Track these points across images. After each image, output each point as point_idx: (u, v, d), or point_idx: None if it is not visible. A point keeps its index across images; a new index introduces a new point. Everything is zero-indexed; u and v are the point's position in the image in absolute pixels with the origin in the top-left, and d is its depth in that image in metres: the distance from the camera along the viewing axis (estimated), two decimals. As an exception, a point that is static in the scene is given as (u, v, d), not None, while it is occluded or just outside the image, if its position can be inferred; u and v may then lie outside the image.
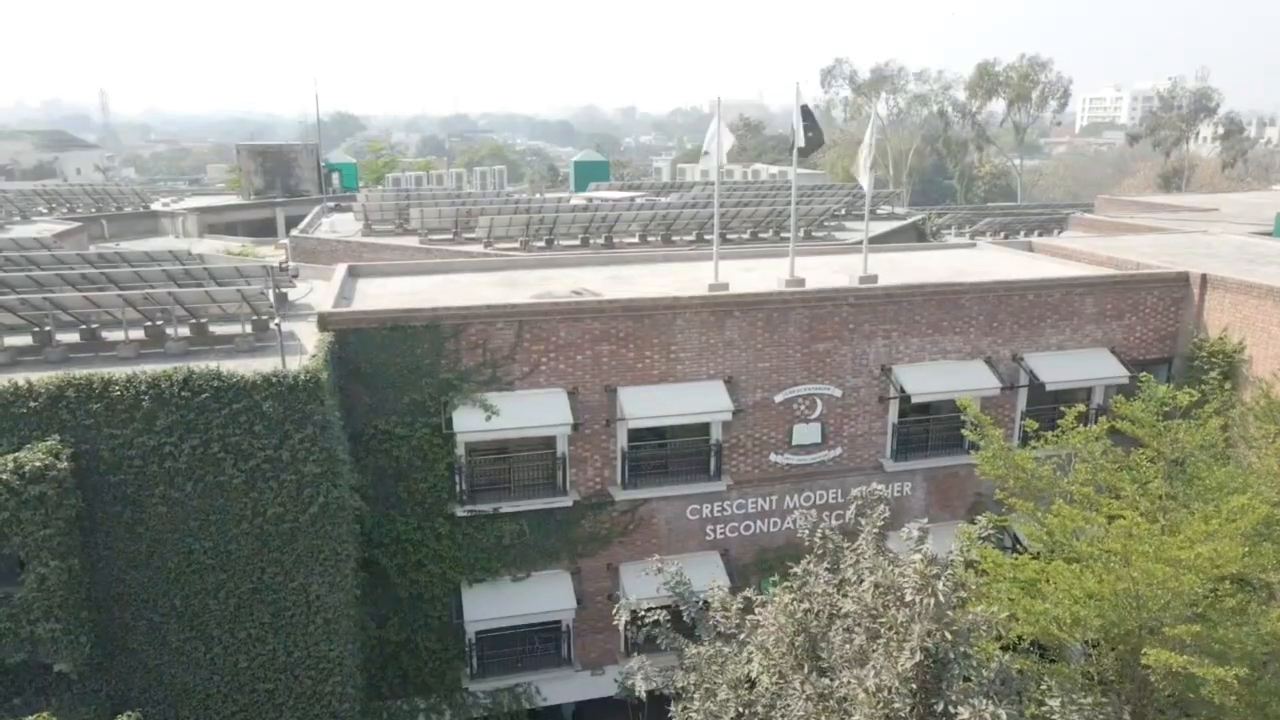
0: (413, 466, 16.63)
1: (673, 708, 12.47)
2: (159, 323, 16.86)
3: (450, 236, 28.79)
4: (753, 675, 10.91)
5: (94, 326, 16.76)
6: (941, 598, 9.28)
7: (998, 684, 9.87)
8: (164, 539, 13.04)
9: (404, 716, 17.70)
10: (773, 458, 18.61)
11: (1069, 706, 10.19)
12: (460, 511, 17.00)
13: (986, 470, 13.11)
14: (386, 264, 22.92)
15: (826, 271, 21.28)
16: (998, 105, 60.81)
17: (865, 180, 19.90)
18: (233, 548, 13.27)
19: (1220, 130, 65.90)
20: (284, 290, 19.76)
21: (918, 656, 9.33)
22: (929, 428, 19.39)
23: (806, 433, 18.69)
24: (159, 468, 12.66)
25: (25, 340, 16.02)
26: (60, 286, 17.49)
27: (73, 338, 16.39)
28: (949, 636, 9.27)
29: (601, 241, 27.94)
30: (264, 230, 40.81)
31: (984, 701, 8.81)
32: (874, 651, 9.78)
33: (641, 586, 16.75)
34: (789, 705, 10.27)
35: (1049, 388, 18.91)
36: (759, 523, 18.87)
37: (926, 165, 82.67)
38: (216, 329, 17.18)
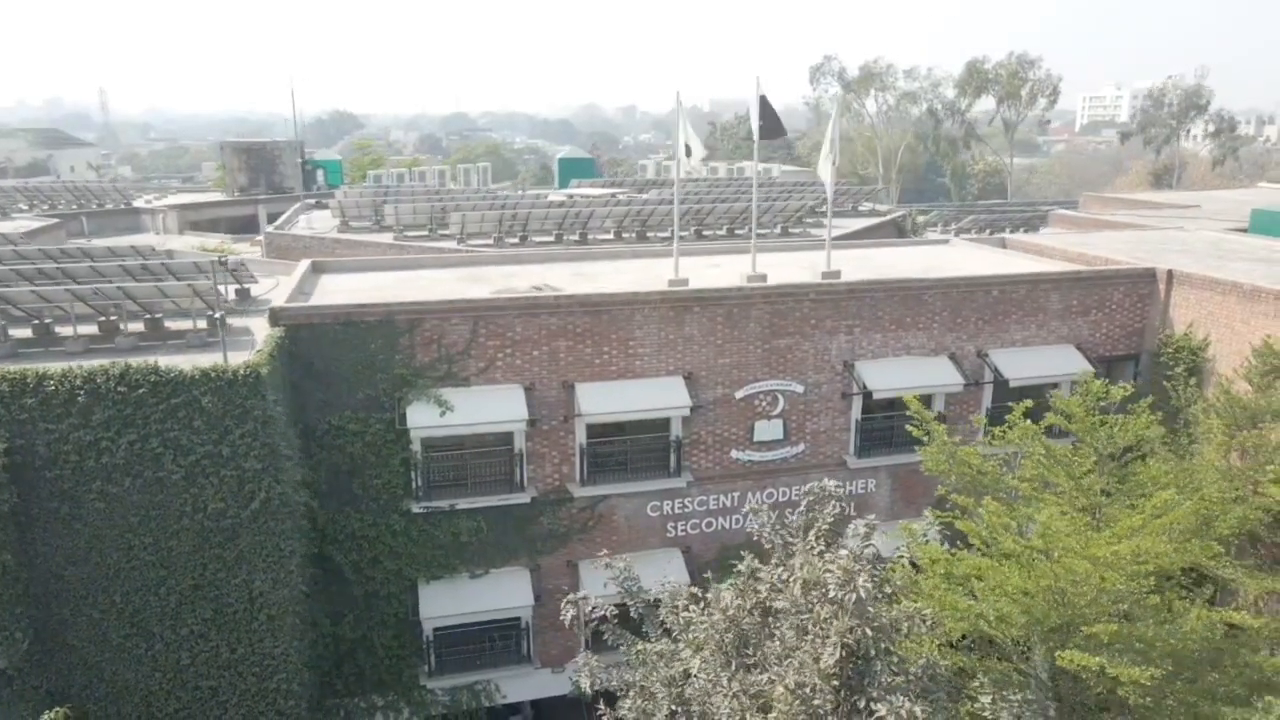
0: (367, 462, 16.52)
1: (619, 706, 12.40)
2: (113, 318, 16.77)
3: (425, 233, 28.68)
4: (690, 672, 10.81)
5: (47, 322, 16.65)
6: (863, 593, 9.16)
7: (925, 681, 9.76)
8: (103, 534, 12.93)
9: (361, 714, 17.60)
10: (734, 454, 18.49)
11: (999, 703, 10.07)
12: (416, 508, 16.89)
13: (930, 466, 12.98)
14: (351, 260, 22.81)
15: (795, 268, 21.18)
16: (988, 103, 60.62)
17: (827, 175, 19.76)
18: (173, 543, 13.16)
19: (1211, 128, 65.70)
20: (246, 286, 19.71)
21: (839, 653, 9.22)
22: (893, 424, 19.24)
23: (768, 429, 18.57)
24: (95, 463, 12.56)
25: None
26: (16, 282, 17.40)
27: (25, 333, 16.30)
28: (869, 633, 9.16)
29: (576, 238, 27.81)
30: (246, 227, 40.66)
31: (901, 698, 8.70)
32: (799, 648, 9.67)
33: (601, 584, 16.67)
34: (717, 702, 10.15)
35: (1012, 384, 18.76)
36: (721, 520, 18.76)
37: (921, 163, 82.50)
38: (173, 324, 17.09)
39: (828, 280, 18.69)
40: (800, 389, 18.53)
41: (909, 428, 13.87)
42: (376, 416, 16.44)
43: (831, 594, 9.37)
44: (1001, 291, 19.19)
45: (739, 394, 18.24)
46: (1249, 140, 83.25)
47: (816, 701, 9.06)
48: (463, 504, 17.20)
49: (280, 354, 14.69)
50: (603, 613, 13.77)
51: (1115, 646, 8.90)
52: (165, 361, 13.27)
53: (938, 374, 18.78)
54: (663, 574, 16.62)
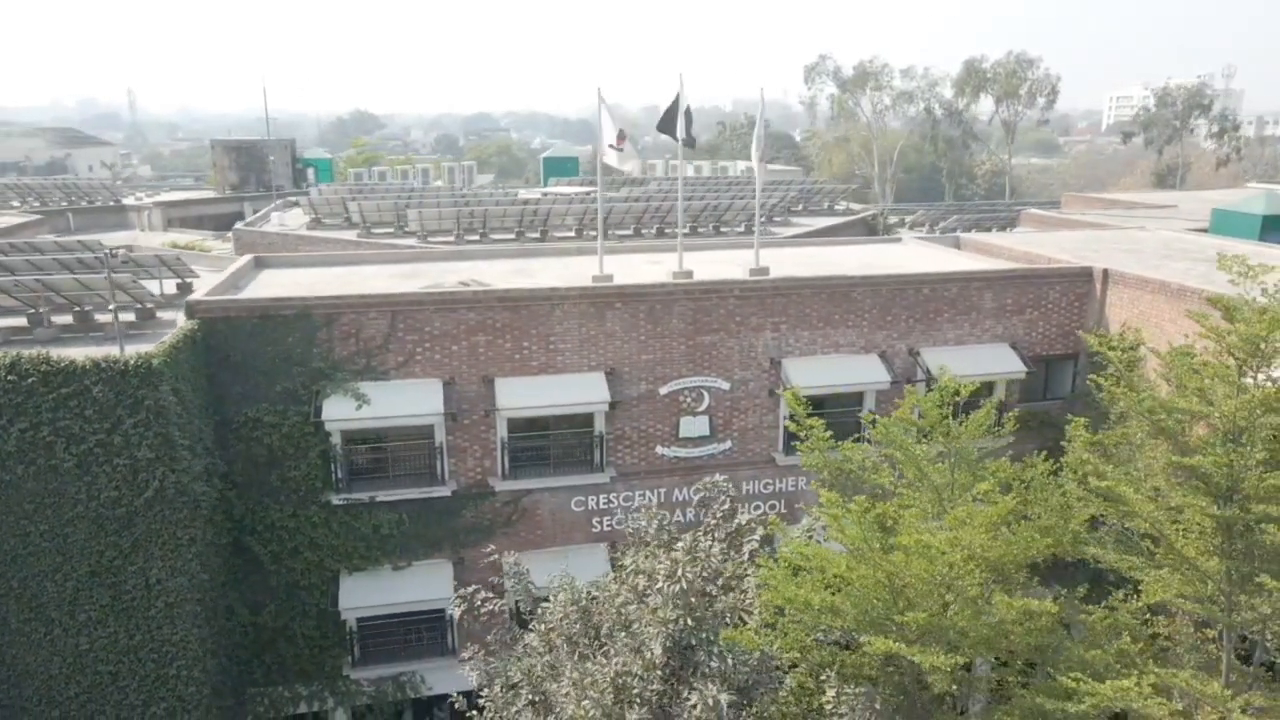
0: (285, 454, 16.71)
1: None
2: (43, 310, 17.12)
3: (392, 230, 28.94)
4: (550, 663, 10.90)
5: (-21, 313, 17.03)
6: (684, 585, 9.20)
7: (758, 673, 9.78)
8: (-1, 521, 13.24)
9: (285, 703, 17.81)
10: (659, 450, 18.53)
11: (841, 696, 10.07)
12: (336, 500, 17.08)
13: (807, 463, 12.97)
14: (296, 256, 23.08)
15: (735, 265, 21.17)
16: (988, 103, 60.17)
17: (757, 169, 19.73)
18: (69, 530, 13.43)
19: (1215, 128, 64.71)
20: (188, 281, 20.03)
21: (662, 642, 9.27)
22: (825, 422, 19.18)
23: (694, 425, 18.60)
24: (-12, 450, 12.86)
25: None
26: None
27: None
28: (690, 623, 9.20)
29: (537, 235, 27.96)
30: (232, 224, 41.21)
31: (711, 686, 8.73)
32: (629, 638, 9.73)
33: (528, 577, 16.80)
34: (552, 689, 10.24)
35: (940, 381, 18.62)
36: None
37: (926, 164, 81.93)
38: (103, 317, 17.39)
39: (753, 277, 18.67)
40: (726, 385, 18.54)
41: (791, 424, 13.85)
42: (294, 409, 16.64)
43: (659, 585, 9.42)
44: (933, 290, 19.09)
45: (663, 390, 18.28)
46: (1248, 141, 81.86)
47: (636, 690, 9.10)
48: (383, 496, 17.36)
49: (188, 346, 14.92)
50: (490, 608, 13.91)
51: (929, 635, 8.87)
52: (83, 353, 13.56)
53: (866, 372, 18.72)
54: (594, 569, 16.79)
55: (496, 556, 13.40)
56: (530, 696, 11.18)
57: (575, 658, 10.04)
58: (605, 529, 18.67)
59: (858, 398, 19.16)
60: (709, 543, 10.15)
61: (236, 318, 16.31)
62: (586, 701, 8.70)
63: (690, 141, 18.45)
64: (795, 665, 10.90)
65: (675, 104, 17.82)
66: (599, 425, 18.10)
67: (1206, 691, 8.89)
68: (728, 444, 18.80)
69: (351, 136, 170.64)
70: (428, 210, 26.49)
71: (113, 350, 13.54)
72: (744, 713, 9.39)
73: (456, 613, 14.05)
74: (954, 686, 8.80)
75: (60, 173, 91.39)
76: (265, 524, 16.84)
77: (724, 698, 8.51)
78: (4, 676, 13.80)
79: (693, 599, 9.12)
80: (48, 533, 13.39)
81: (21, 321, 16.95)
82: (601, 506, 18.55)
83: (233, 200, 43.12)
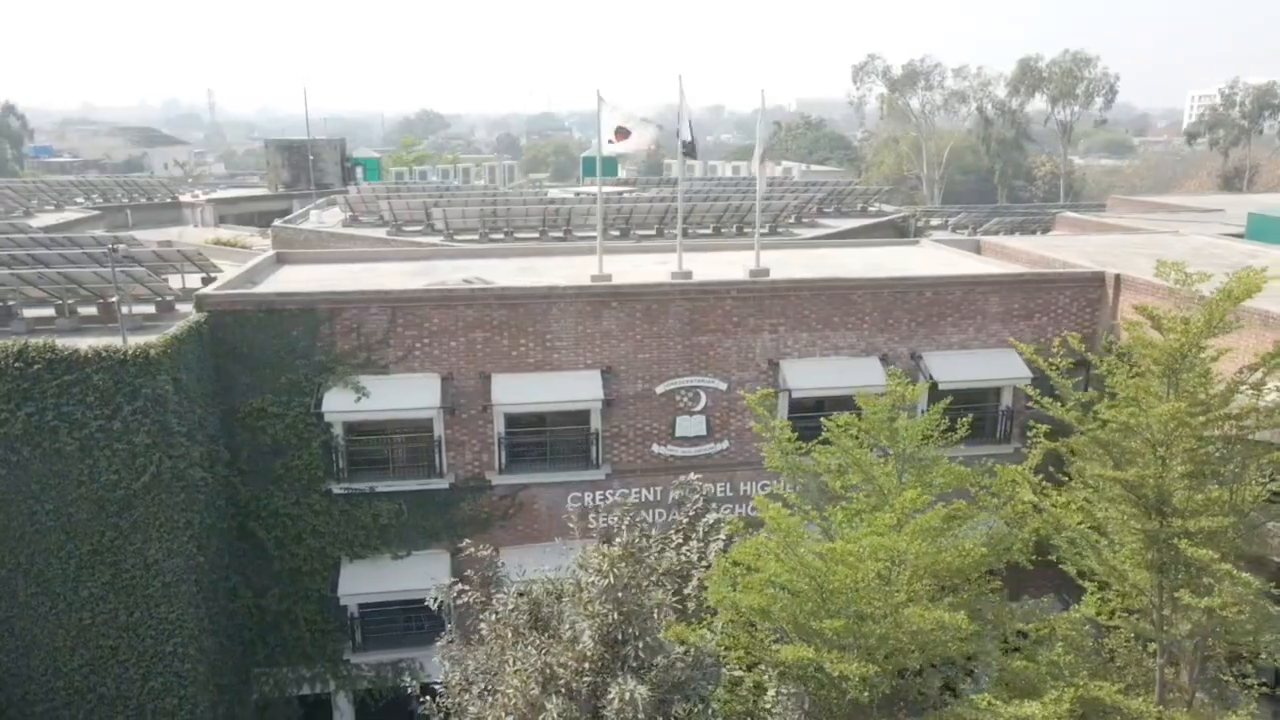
0: (288, 444, 17.33)
1: None
2: (69, 301, 18.06)
3: (420, 228, 29.61)
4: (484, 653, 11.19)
5: (10, 304, 18.02)
6: (612, 579, 9.38)
7: (692, 669, 9.91)
8: (7, 499, 14.04)
9: (289, 683, 18.47)
10: (655, 448, 18.69)
11: (777, 697, 10.14)
12: (337, 489, 17.65)
13: (770, 463, 13.01)
14: (317, 252, 23.82)
15: (739, 266, 21.20)
16: (1043, 103, 58.62)
17: (758, 170, 19.73)
18: (72, 510, 14.18)
19: (1283, 128, 62.20)
20: (212, 275, 20.85)
21: (593, 635, 9.47)
22: (821, 423, 19.12)
23: (690, 425, 18.71)
24: (-1, 431, 13.69)
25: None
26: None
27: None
28: (617, 617, 9.38)
29: (560, 234, 28.32)
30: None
31: (631, 680, 8.90)
32: (563, 629, 9.96)
33: (520, 571, 17.09)
34: (500, 679, 10.51)
35: (941, 386, 18.40)
36: (644, 513, 18.92)
37: (982, 165, 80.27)
38: (128, 309, 18.24)
39: (750, 279, 18.70)
40: (723, 386, 18.61)
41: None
42: (298, 400, 17.24)
43: (591, 578, 9.62)
44: (936, 293, 18.87)
45: (659, 389, 18.44)
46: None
47: (563, 680, 9.31)
48: (383, 487, 17.88)
49: (192, 338, 15.60)
50: (466, 600, 14.22)
51: (848, 642, 8.87)
52: (102, 343, 14.33)
53: (862, 374, 18.56)
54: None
55: (481, 549, 13.59)
56: (481, 686, 11.48)
57: (518, 648, 10.30)
58: (602, 525, 18.86)
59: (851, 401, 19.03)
60: (646, 540, 10.31)
61: (243, 311, 16.98)
62: (510, 689, 8.95)
63: (690, 149, 18.58)
64: (754, 665, 11.00)
65: (682, 108, 17.99)
66: (595, 422, 18.33)
67: (1130, 707, 8.71)
68: (725, 444, 18.86)
69: (418, 136, 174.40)
70: (452, 209, 27.07)
71: (116, 340, 14.23)
72: (678, 709, 9.52)
73: (434, 605, 14.42)
74: (867, 692, 8.78)
75: (136, 170, 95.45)
76: (269, 510, 17.48)
77: (642, 691, 8.67)
78: (13, 646, 14.64)
79: (619, 594, 9.29)
80: (53, 512, 14.17)
81: (50, 312, 17.93)
82: (598, 502, 18.74)
83: (282, 198, 44.49)
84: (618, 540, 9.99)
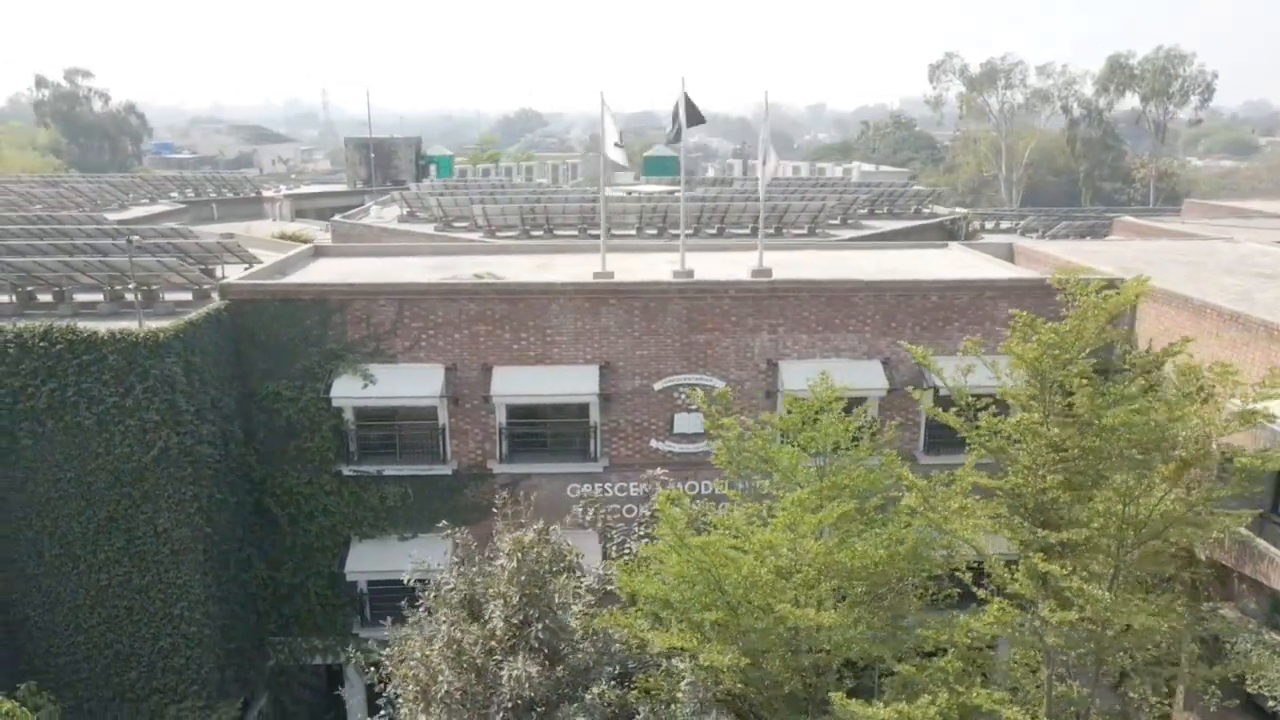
0: (301, 426, 18.38)
1: None
2: (117, 288, 19.55)
3: (469, 224, 30.59)
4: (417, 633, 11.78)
5: (66, 289, 19.62)
6: (515, 563, 9.82)
7: (600, 655, 10.26)
8: (35, 467, 15.42)
9: (303, 653, 19.57)
10: (653, 444, 19.00)
11: (690, 690, 10.39)
12: (347, 470, 18.61)
13: (717, 459, 13.18)
14: (353, 245, 24.98)
15: (742, 267, 21.27)
16: (1133, 101, 55.88)
17: (760, 172, 19.77)
18: (91, 479, 15.46)
19: None
20: (251, 266, 22.15)
21: (502, 615, 9.93)
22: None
23: (688, 422, 18.94)
24: (25, 405, 15.03)
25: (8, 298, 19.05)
26: (55, 253, 20.52)
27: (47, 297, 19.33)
28: (519, 599, 9.81)
29: (598, 232, 28.79)
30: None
31: (522, 659, 9.32)
32: (487, 610, 10.45)
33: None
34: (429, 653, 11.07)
35: (942, 391, 18.12)
36: (641, 506, 19.29)
37: (1077, 166, 77.11)
38: (171, 296, 19.62)
39: (751, 279, 18.81)
40: (721, 385, 18.75)
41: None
42: (310, 386, 18.26)
43: (500, 562, 10.08)
44: (941, 297, 18.61)
45: (658, 385, 18.75)
46: None
47: (465, 658, 9.80)
48: (390, 470, 18.76)
49: (209, 323, 16.74)
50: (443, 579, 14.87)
51: (727, 635, 9.02)
52: (119, 326, 15.61)
53: (862, 377, 18.47)
54: (586, 555, 17.54)
55: (458, 534, 14.18)
56: (414, 663, 12.09)
57: (431, 623, 10.85)
58: (598, 515, 19.31)
59: (858, 403, 18.89)
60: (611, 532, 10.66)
61: (262, 300, 18.08)
62: (413, 661, 9.48)
63: (674, 136, 18.90)
64: (682, 651, 11.27)
65: (686, 107, 18.25)
66: (593, 416, 18.77)
67: (1007, 715, 8.59)
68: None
69: (516, 134, 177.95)
70: (493, 206, 27.91)
71: (132, 324, 15.44)
72: (581, 691, 9.88)
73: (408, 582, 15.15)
74: (746, 687, 8.94)
75: (245, 166, 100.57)
76: (283, 488, 18.57)
77: (532, 669, 9.08)
78: (40, 602, 16.05)
79: (523, 577, 9.71)
80: (74, 480, 15.48)
81: (98, 297, 19.43)
82: (595, 494, 19.20)
83: (356, 194, 46.47)
84: (534, 527, 10.41)
